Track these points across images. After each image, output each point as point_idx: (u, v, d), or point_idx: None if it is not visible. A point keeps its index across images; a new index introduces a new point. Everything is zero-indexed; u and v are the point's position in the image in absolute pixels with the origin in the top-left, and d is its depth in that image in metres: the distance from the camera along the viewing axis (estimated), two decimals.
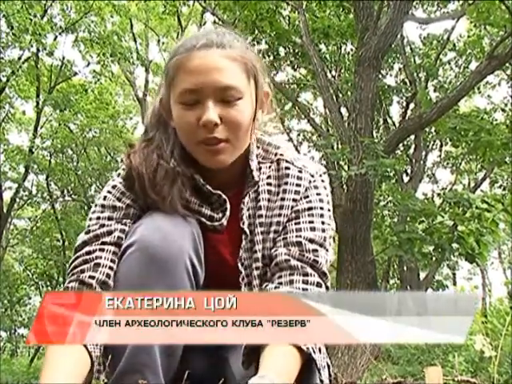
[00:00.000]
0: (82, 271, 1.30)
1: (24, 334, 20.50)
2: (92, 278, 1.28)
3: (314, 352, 1.22)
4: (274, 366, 1.14)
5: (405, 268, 12.92)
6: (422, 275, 13.21)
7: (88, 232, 1.37)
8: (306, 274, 1.32)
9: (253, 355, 1.22)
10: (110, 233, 1.34)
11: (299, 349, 1.19)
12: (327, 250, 1.39)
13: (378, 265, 12.68)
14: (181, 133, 1.39)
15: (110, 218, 1.37)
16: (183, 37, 1.45)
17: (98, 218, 1.38)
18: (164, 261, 1.24)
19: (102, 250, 1.32)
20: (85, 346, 1.17)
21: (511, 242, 20.60)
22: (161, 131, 1.46)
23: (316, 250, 1.36)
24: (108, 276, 1.29)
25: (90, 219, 1.40)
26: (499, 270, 24.60)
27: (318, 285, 1.33)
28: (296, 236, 1.37)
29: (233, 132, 1.35)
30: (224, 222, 1.39)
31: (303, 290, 1.30)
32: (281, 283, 1.32)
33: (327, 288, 1.36)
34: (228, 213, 1.40)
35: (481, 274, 22.68)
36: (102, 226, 1.36)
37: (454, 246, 6.91)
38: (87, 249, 1.33)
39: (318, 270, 1.34)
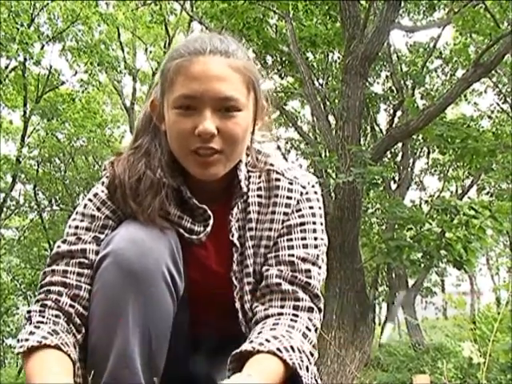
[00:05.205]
0: (60, 294, 1.26)
1: (12, 344, 20.32)
2: (72, 307, 1.25)
3: (301, 368, 1.17)
4: (257, 367, 1.12)
5: (393, 275, 12.91)
6: (411, 282, 13.23)
7: (65, 242, 1.34)
8: (298, 299, 1.30)
9: (239, 363, 1.17)
10: (84, 251, 1.30)
11: (285, 362, 1.16)
12: (320, 268, 1.36)
13: (367, 272, 12.68)
14: (173, 139, 1.32)
15: (87, 229, 1.33)
16: (186, 38, 1.39)
17: (77, 227, 1.35)
18: (141, 273, 1.20)
19: (80, 274, 1.28)
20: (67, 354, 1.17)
21: (499, 248, 20.72)
22: (151, 136, 1.41)
23: (309, 271, 1.32)
24: (85, 308, 1.26)
25: (69, 226, 1.36)
26: (487, 276, 24.79)
27: (309, 310, 1.30)
28: (288, 255, 1.33)
29: (228, 145, 1.29)
30: (203, 237, 1.35)
31: (293, 315, 1.28)
32: (271, 306, 1.30)
33: (319, 310, 1.33)
34: (209, 229, 1.35)
35: (469, 280, 22.81)
36: (79, 239, 1.32)
37: (442, 252, 6.92)
38: (64, 267, 1.29)
39: (310, 292, 1.31)
